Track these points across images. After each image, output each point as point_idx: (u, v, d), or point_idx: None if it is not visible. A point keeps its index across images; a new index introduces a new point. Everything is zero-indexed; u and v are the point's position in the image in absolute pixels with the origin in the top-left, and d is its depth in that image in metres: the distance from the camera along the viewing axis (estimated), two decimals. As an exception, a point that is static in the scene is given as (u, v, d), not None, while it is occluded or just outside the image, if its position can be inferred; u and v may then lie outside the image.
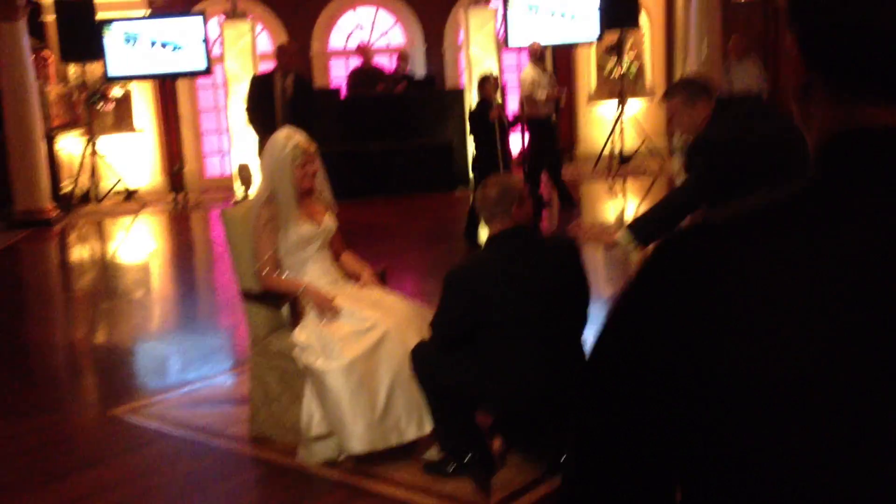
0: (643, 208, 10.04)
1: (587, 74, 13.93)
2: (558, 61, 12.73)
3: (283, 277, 4.35)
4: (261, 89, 9.92)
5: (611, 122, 13.10)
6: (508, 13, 12.46)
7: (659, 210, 4.17)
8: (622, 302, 0.97)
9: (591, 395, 0.99)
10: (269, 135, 9.67)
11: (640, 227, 4.02)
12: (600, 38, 12.73)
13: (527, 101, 9.83)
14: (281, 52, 10.12)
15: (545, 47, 10.83)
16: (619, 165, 12.80)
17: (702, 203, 4.04)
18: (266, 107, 9.75)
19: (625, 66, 13.39)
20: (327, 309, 4.16)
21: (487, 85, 9.03)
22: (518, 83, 10.62)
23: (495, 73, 10.06)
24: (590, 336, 3.81)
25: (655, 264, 0.95)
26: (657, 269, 0.95)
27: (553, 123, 10.18)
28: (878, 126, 0.89)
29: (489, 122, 8.79)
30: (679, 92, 4.22)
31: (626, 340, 0.95)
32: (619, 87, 13.13)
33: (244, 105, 10.24)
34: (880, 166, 0.88)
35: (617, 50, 13.36)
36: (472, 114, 9.36)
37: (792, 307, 0.85)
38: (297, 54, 10.60)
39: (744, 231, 0.91)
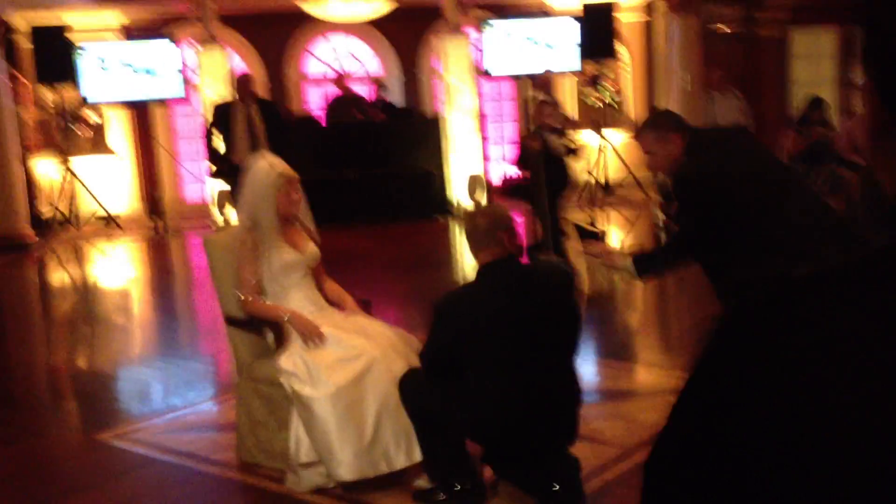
0: (630, 238, 10.11)
1: (567, 104, 14.07)
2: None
3: (267, 304, 4.35)
4: (223, 118, 10.04)
5: (591, 153, 13.22)
6: (485, 42, 12.59)
7: (661, 251, 4.19)
8: (707, 363, 0.90)
9: (670, 462, 0.92)
10: (226, 162, 9.94)
11: (643, 262, 4.05)
12: (580, 70, 12.89)
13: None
14: (241, 84, 10.22)
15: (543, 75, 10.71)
16: (604, 196, 12.90)
17: (698, 243, 3.94)
18: (227, 135, 9.91)
19: (605, 96, 13.53)
20: (313, 336, 4.17)
21: (543, 111, 8.60)
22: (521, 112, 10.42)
23: (548, 99, 9.36)
24: (579, 364, 3.84)
25: (742, 322, 0.88)
26: (744, 327, 0.87)
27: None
28: None
29: (531, 152, 8.36)
30: (650, 128, 4.12)
31: (711, 402, 0.87)
32: (599, 118, 13.27)
33: (207, 132, 10.39)
34: None
35: (594, 81, 13.52)
36: (521, 142, 8.96)
37: (886, 370, 0.78)
38: (255, 83, 10.76)
39: (832, 289, 0.84)
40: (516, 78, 13.41)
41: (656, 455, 0.94)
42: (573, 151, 8.63)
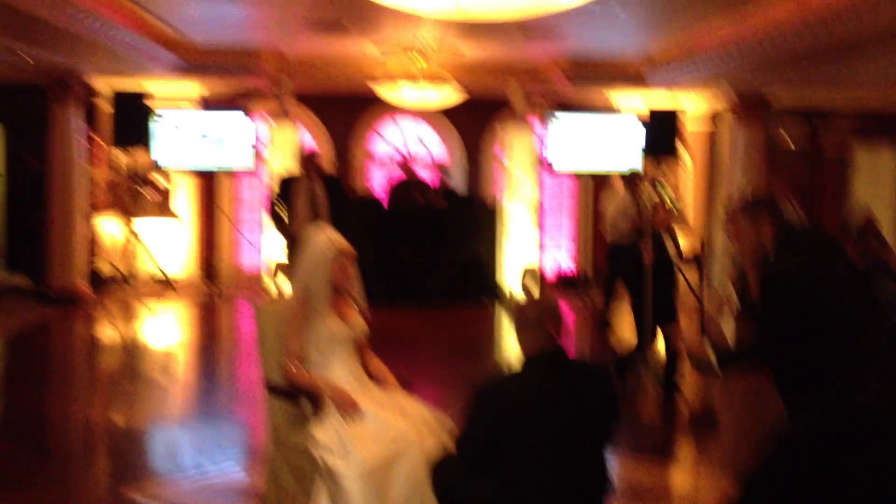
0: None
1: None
2: (597, 189, 12.94)
3: (309, 374, 4.33)
4: (287, 191, 10.19)
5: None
6: (550, 135, 12.69)
7: (743, 351, 4.01)
8: (766, 482, 0.89)
9: None
10: (287, 234, 10.03)
11: (725, 357, 3.89)
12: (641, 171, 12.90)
13: (611, 229, 9.23)
14: (308, 160, 10.36)
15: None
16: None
17: (777, 350, 3.72)
18: (290, 208, 10.05)
19: (665, 199, 13.49)
20: (350, 410, 4.13)
21: (659, 212, 7.41)
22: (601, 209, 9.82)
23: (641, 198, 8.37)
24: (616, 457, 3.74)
25: (806, 449, 0.86)
26: (808, 454, 0.85)
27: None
28: None
29: (642, 263, 7.11)
30: (744, 212, 3.93)
31: None
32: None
33: (271, 204, 10.55)
34: None
35: (654, 183, 13.49)
36: (614, 248, 8.06)
37: None
38: (322, 160, 10.93)
39: None
40: (578, 175, 13.47)
41: None
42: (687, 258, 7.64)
